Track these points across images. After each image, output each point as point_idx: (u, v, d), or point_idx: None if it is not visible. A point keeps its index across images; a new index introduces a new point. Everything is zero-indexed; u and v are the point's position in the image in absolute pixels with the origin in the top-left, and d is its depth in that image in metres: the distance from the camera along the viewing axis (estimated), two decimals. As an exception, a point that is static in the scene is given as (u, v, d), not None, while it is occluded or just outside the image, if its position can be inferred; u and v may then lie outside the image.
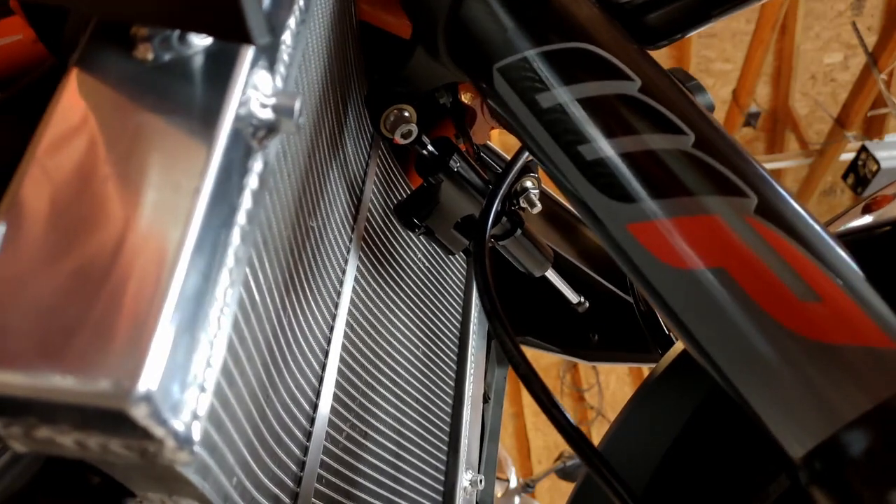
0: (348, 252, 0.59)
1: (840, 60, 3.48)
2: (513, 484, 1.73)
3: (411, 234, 0.72)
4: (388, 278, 0.66)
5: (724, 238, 0.32)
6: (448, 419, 0.76)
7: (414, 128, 0.57)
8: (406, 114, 0.59)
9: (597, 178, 0.35)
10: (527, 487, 1.76)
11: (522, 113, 0.38)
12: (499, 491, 1.66)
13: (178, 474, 0.27)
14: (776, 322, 0.30)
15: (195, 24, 0.22)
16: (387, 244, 0.66)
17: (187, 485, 0.29)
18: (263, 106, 0.27)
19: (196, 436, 0.22)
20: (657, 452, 0.42)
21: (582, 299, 0.80)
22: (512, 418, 3.06)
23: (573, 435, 0.39)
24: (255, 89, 0.27)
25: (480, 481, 0.76)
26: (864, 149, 3.39)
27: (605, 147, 0.35)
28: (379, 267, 0.64)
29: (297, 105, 0.27)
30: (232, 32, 0.22)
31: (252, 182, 0.28)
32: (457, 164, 0.58)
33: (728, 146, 0.34)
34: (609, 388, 3.11)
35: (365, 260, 0.62)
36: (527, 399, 3.02)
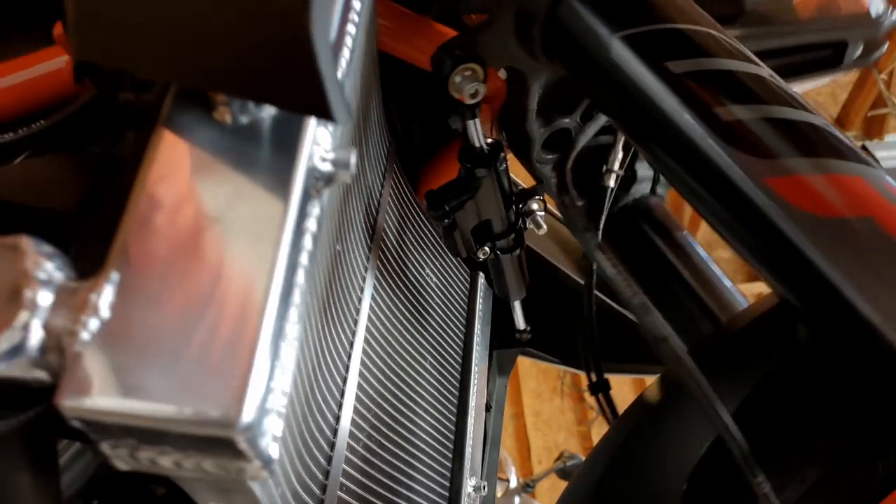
0: (366, 271, 0.62)
1: (840, 61, 3.53)
2: (513, 484, 1.75)
3: (421, 252, 0.75)
4: (400, 295, 0.69)
5: (868, 193, 0.36)
6: (453, 427, 0.79)
7: (482, 87, 0.56)
8: (473, 72, 0.57)
9: (733, 137, 0.39)
10: (527, 487, 1.79)
11: (646, 79, 0.41)
12: (499, 491, 1.69)
13: (245, 486, 0.30)
14: None
15: (282, 102, 0.26)
16: (400, 262, 0.70)
17: (249, 495, 0.32)
18: (323, 160, 0.30)
19: (275, 455, 0.26)
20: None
21: (528, 328, 0.85)
22: (512, 419, 3.09)
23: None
24: (317, 145, 0.30)
25: (483, 487, 0.79)
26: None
27: (743, 111, 0.39)
28: (393, 284, 0.68)
29: (352, 159, 0.31)
30: (315, 110, 0.25)
31: (311, 226, 0.31)
32: (502, 165, 0.60)
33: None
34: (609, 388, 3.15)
35: (380, 278, 0.65)
36: (527, 399, 3.05)
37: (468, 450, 0.78)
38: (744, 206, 0.39)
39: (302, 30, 0.23)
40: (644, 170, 0.72)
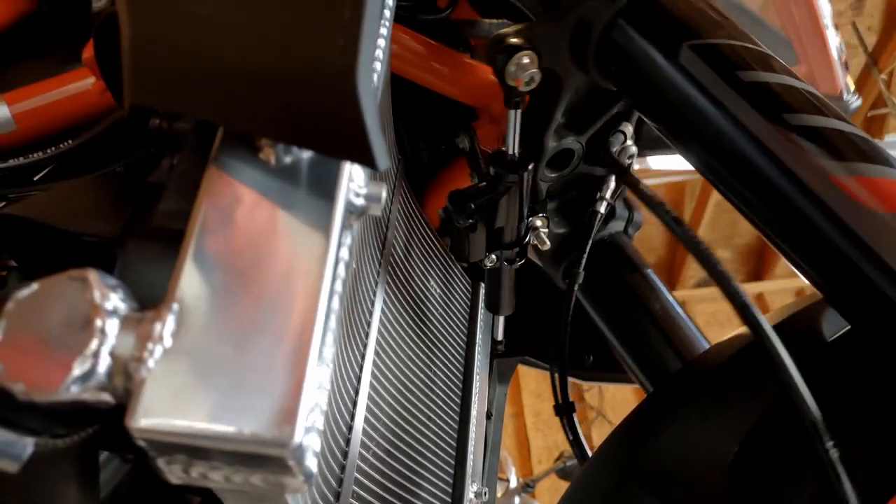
0: (376, 286, 0.64)
1: (840, 60, 3.57)
2: (513, 484, 1.77)
3: (427, 266, 0.78)
4: (407, 308, 0.72)
5: None
6: (455, 435, 0.82)
7: (537, 74, 0.56)
8: (528, 60, 0.57)
9: (800, 140, 0.42)
10: (527, 487, 1.81)
11: (716, 85, 0.45)
12: (499, 491, 1.71)
13: (281, 497, 0.33)
14: None
15: (329, 149, 0.28)
16: (407, 276, 0.72)
17: (282, 504, 0.34)
18: (357, 195, 0.33)
19: (315, 470, 0.28)
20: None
21: (502, 341, 0.88)
22: (512, 419, 3.11)
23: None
24: (351, 181, 0.32)
25: (485, 493, 0.82)
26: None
27: (807, 119, 0.43)
28: (400, 297, 0.70)
29: (383, 194, 0.33)
30: (359, 158, 0.27)
31: (345, 255, 0.33)
32: (530, 175, 0.62)
33: None
34: (609, 389, 3.19)
35: (389, 292, 0.67)
36: (527, 399, 3.08)
37: (470, 457, 0.80)
38: (805, 201, 0.43)
39: (349, 87, 0.25)
40: (621, 209, 0.76)
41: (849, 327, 0.47)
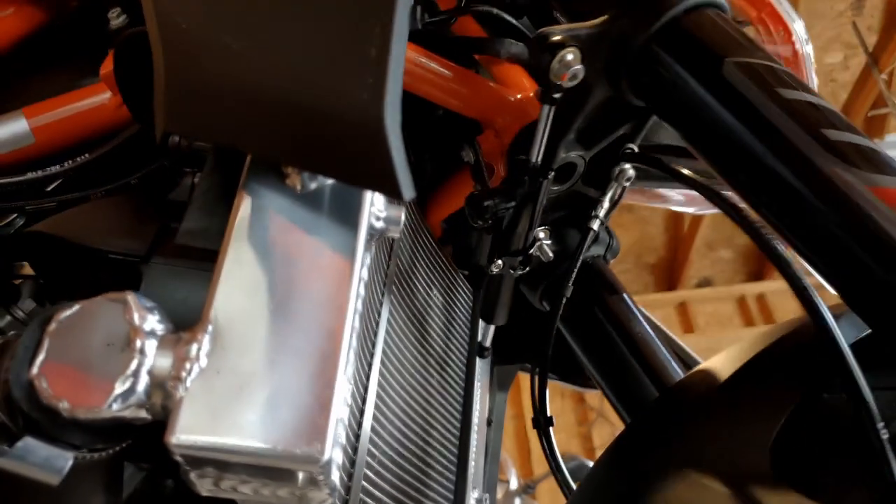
0: (382, 295, 0.66)
1: (840, 60, 3.58)
2: (513, 486, 1.78)
3: (430, 274, 0.79)
4: (412, 317, 0.73)
5: None
6: (456, 442, 0.83)
7: (581, 70, 0.56)
8: (572, 57, 0.56)
9: (840, 153, 0.45)
10: (527, 489, 1.82)
11: (759, 100, 0.48)
12: (499, 492, 1.72)
13: (303, 508, 0.34)
14: None
15: (356, 180, 0.30)
16: (411, 285, 0.73)
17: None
18: (378, 218, 0.34)
19: (338, 482, 0.29)
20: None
21: (489, 347, 0.90)
22: (512, 420, 3.10)
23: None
24: (372, 205, 0.34)
25: (486, 499, 0.83)
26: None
27: (841, 135, 0.46)
28: (405, 306, 0.71)
29: (402, 217, 0.34)
30: (385, 189, 0.29)
31: (364, 274, 0.35)
32: (549, 184, 0.63)
33: None
34: (610, 390, 3.20)
35: (395, 301, 0.69)
36: (527, 401, 3.08)
37: (471, 463, 0.82)
38: (839, 208, 0.45)
39: (377, 123, 0.27)
40: (603, 233, 0.78)
41: (869, 331, 0.50)
